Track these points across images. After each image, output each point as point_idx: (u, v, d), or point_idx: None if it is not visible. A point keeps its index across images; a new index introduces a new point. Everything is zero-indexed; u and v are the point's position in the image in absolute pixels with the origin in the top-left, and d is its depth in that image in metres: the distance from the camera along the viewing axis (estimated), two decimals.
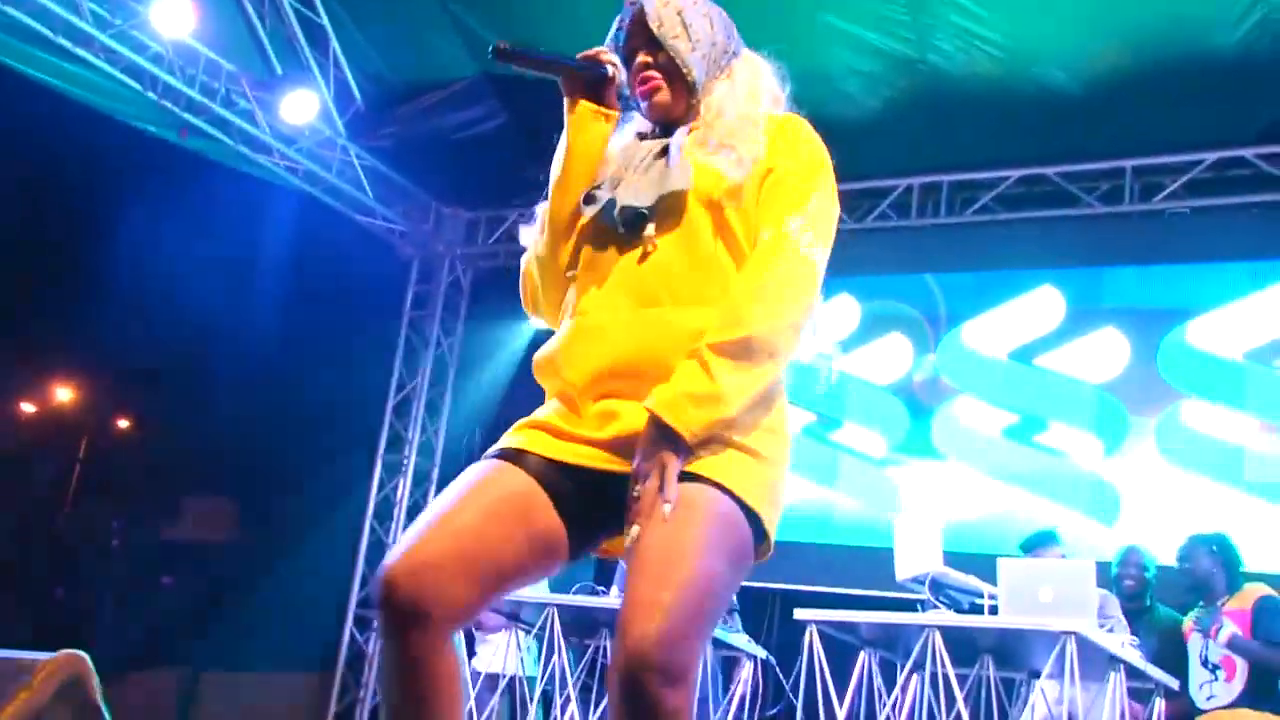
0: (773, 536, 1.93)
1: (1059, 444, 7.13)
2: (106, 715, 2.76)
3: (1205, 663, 5.20)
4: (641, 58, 2.09)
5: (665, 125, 2.12)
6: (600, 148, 2.10)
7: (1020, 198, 7.75)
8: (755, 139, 2.02)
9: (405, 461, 9.35)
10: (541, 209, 2.15)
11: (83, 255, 12.08)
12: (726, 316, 1.89)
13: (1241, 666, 5.08)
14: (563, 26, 7.50)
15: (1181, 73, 6.59)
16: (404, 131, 8.49)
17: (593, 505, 1.92)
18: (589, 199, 2.03)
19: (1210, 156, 7.13)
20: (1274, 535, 6.41)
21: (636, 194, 1.98)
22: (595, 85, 2.09)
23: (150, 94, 7.29)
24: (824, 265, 1.98)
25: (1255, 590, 5.25)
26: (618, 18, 2.14)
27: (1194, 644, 5.28)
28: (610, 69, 2.09)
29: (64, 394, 15.65)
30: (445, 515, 1.86)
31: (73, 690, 2.67)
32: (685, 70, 2.07)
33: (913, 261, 7.95)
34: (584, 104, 2.09)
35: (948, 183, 7.93)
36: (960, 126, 7.48)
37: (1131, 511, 6.82)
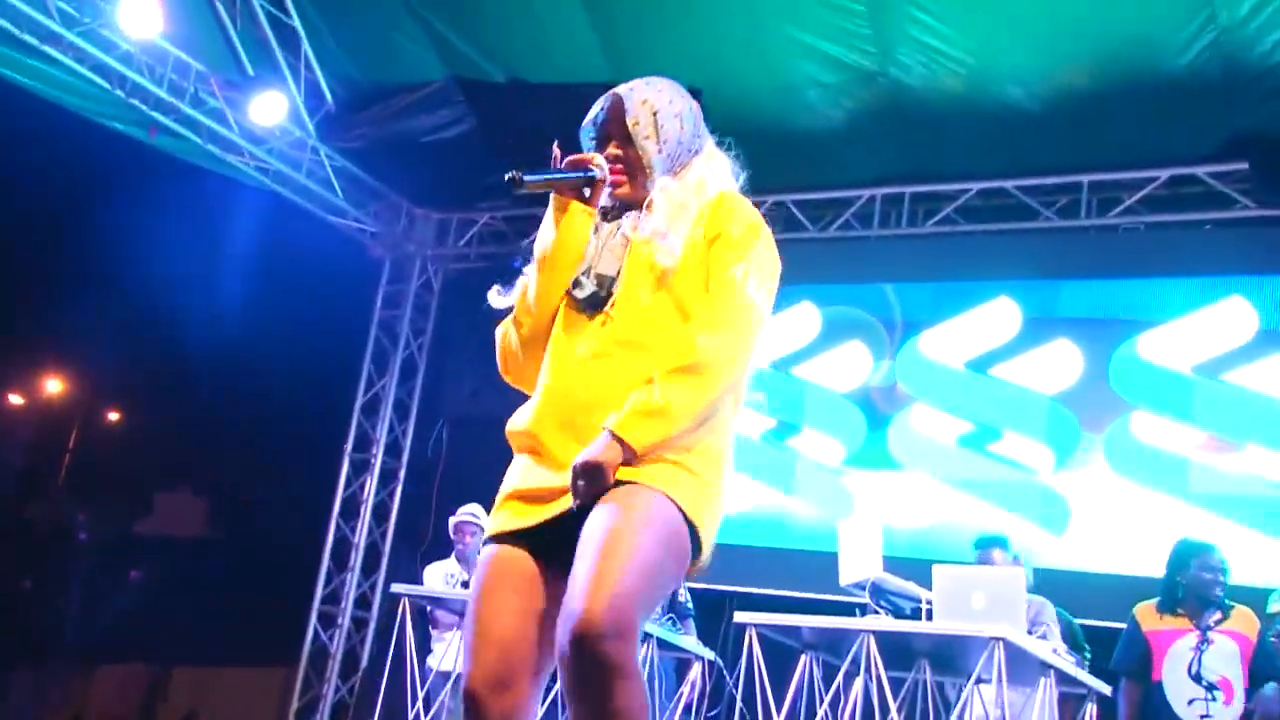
0: (707, 550, 2.15)
1: (1012, 453, 7.24)
2: None
3: (1198, 679, 5.10)
4: (612, 149, 2.35)
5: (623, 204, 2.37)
6: (585, 239, 2.34)
7: (980, 210, 7.87)
8: (682, 221, 2.27)
9: (373, 460, 9.42)
10: (521, 283, 2.39)
11: (64, 252, 12.12)
12: (678, 349, 2.16)
13: (1239, 690, 5.00)
14: (526, 33, 7.60)
15: (1136, 92, 6.72)
16: (374, 133, 8.55)
17: (571, 539, 2.09)
18: (575, 284, 2.30)
19: (1164, 174, 7.26)
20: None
21: (589, 285, 2.28)
22: (587, 187, 2.35)
23: (118, 92, 7.35)
24: (767, 307, 2.25)
25: (1252, 618, 5.18)
26: (599, 102, 2.38)
27: (1180, 653, 5.12)
28: (598, 173, 2.34)
29: (47, 389, 15.66)
30: (486, 625, 2.14)
31: None
32: (648, 170, 2.33)
33: (875, 271, 8.05)
34: (575, 205, 2.33)
35: (910, 194, 8.04)
36: (922, 139, 7.60)
37: (1081, 522, 6.93)
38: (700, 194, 2.33)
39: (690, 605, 6.23)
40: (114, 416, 15.33)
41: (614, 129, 2.34)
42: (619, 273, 2.26)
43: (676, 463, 2.11)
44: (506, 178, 2.25)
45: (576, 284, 2.29)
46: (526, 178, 2.27)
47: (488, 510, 7.16)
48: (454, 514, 6.85)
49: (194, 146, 8.06)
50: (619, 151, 2.33)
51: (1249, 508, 6.53)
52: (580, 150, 2.38)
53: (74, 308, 12.44)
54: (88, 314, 12.16)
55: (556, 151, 2.35)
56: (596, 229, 2.34)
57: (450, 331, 9.80)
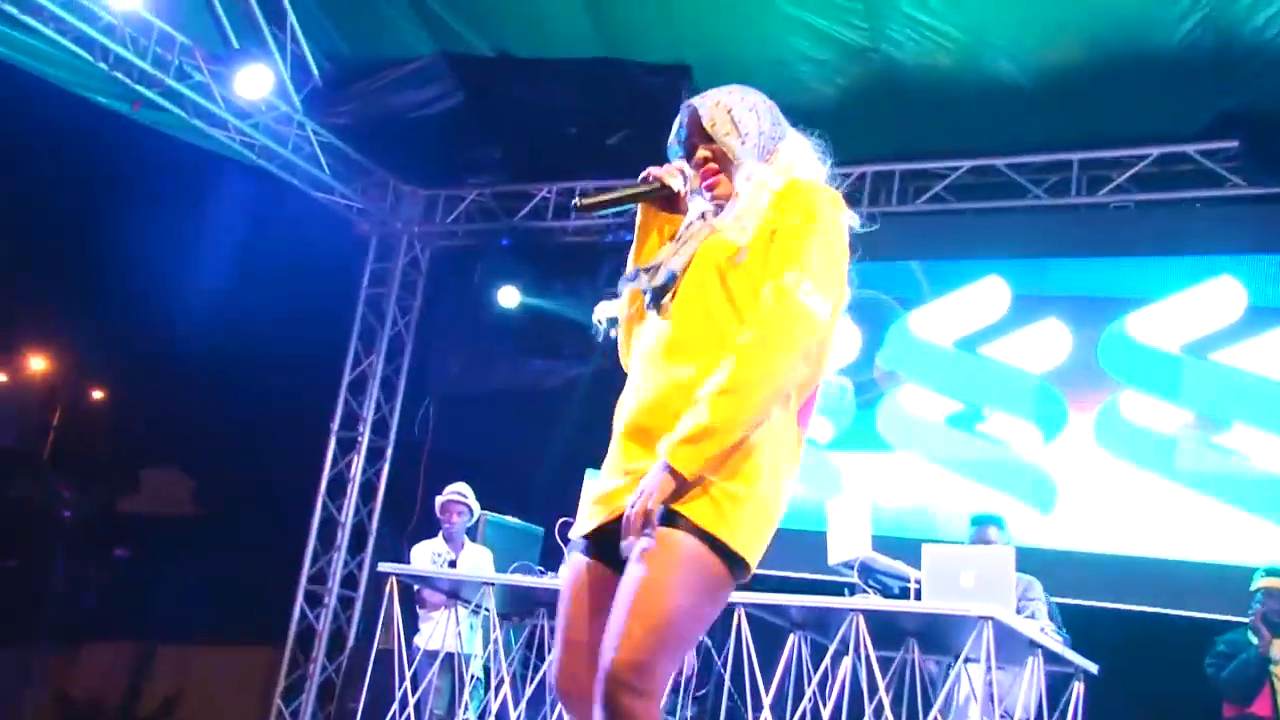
0: (752, 560, 2.20)
1: (1000, 432, 7.23)
2: None
3: None
4: (701, 153, 2.42)
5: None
6: (659, 246, 2.44)
7: (970, 188, 7.84)
8: (759, 202, 2.31)
9: (359, 439, 9.37)
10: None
11: (47, 229, 11.99)
12: (724, 366, 2.18)
13: None
14: (516, 7, 7.53)
15: (1127, 69, 6.68)
16: (362, 109, 8.47)
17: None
18: (628, 278, 2.42)
19: (1154, 151, 7.23)
20: (1202, 526, 6.54)
21: (656, 277, 2.35)
22: (668, 199, 2.43)
23: (101, 65, 7.26)
24: (827, 306, 2.22)
25: None
26: (678, 117, 2.46)
27: None
28: (678, 184, 2.40)
29: (31, 366, 15.55)
30: (563, 630, 2.31)
31: None
32: (738, 163, 2.38)
33: (866, 248, 7.98)
34: (651, 215, 2.46)
35: (900, 171, 8.00)
36: (913, 116, 7.54)
37: (1068, 501, 6.93)
38: (787, 175, 2.38)
39: None
40: (99, 394, 15.25)
41: (697, 137, 2.42)
42: (685, 267, 2.32)
43: (723, 490, 2.15)
44: (572, 204, 2.40)
45: (634, 278, 2.38)
46: (586, 201, 2.40)
47: (474, 489, 7.12)
48: (441, 493, 6.83)
49: (178, 120, 7.98)
50: (708, 154, 2.40)
51: (1235, 487, 6.53)
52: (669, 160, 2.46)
53: (57, 284, 12.34)
54: (71, 291, 12.07)
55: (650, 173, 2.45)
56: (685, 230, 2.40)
57: (438, 309, 9.75)
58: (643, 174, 2.40)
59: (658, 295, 2.34)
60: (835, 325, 2.26)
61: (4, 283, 12.65)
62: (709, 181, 2.40)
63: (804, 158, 2.44)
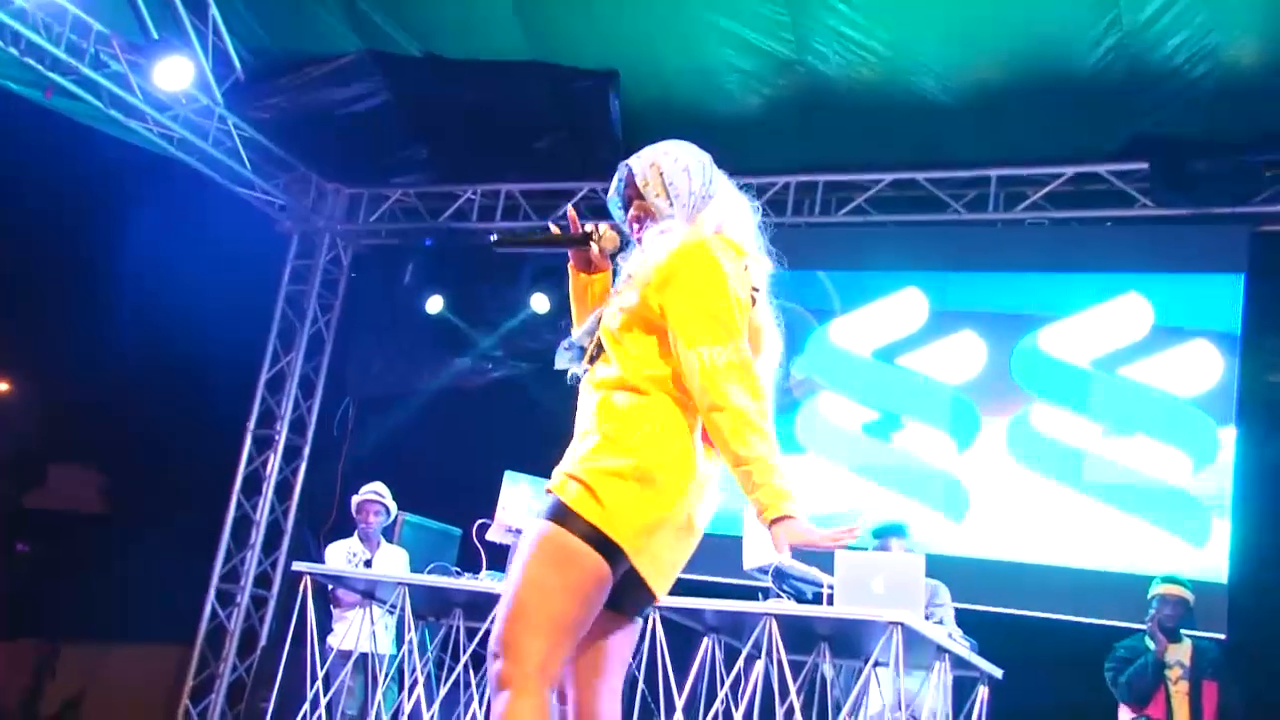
0: (608, 528, 2.38)
1: (915, 441, 7.37)
2: None
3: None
4: (634, 210, 2.61)
5: None
6: (586, 302, 2.72)
7: (892, 200, 7.97)
8: (656, 259, 2.47)
9: (276, 437, 9.26)
10: None
11: None
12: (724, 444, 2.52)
13: None
14: (445, 8, 7.50)
15: (1043, 89, 6.85)
16: (285, 104, 8.37)
17: None
18: (561, 350, 2.64)
19: (1069, 170, 7.42)
20: (1106, 535, 6.73)
21: (571, 354, 2.61)
22: (583, 247, 2.67)
23: (12, 50, 7.07)
24: (730, 346, 2.42)
25: None
26: (618, 173, 2.66)
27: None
28: (590, 230, 2.65)
29: None
30: None
31: None
32: (662, 221, 2.57)
33: (787, 259, 8.07)
34: (578, 277, 2.70)
35: (823, 183, 8.11)
36: (836, 128, 7.65)
37: (979, 509, 7.08)
38: (697, 236, 2.52)
39: None
40: (3, 386, 14.83)
41: (631, 193, 2.61)
42: (594, 338, 2.53)
43: (577, 480, 2.40)
44: (490, 241, 2.66)
45: (561, 352, 2.63)
46: (502, 239, 2.68)
47: (392, 490, 7.07)
48: (358, 493, 6.77)
49: (94, 110, 7.80)
50: (639, 212, 2.59)
51: (1137, 498, 6.73)
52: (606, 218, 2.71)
53: None
54: None
55: (570, 212, 2.71)
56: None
57: (359, 308, 9.66)
58: (559, 214, 2.61)
59: (580, 357, 2.57)
60: (743, 352, 2.44)
61: None
62: (638, 236, 2.59)
63: (732, 215, 2.61)
